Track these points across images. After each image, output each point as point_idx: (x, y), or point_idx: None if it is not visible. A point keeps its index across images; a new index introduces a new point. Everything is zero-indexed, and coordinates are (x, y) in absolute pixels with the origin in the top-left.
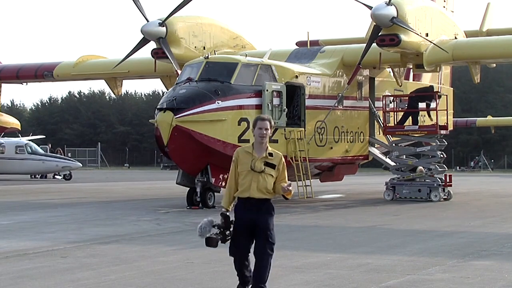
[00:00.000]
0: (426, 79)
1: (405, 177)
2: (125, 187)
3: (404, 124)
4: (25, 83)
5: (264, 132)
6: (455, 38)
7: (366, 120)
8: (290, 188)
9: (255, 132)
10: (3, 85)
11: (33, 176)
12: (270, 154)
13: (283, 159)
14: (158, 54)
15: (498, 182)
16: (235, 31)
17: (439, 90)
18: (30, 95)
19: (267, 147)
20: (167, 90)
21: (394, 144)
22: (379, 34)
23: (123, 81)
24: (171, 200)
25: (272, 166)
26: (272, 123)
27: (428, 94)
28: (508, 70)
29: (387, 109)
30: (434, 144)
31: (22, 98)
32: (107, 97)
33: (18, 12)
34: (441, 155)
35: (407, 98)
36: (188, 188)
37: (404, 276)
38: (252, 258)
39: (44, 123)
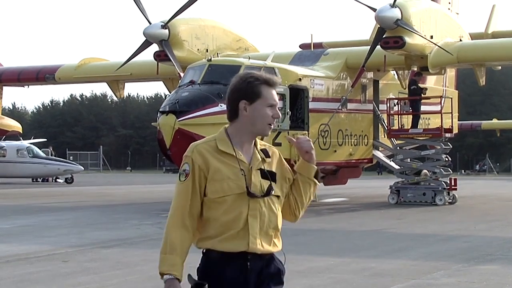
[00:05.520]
0: (431, 81)
1: (409, 180)
2: (127, 190)
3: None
4: (27, 86)
5: (277, 113)
6: (460, 40)
7: (370, 123)
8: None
9: (260, 112)
10: (4, 88)
11: (34, 180)
12: (265, 152)
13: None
14: (160, 56)
15: (503, 185)
16: (238, 33)
17: (444, 93)
18: (32, 98)
19: (255, 139)
20: (170, 93)
21: (398, 147)
22: (383, 36)
23: (125, 83)
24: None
25: (273, 176)
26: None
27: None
28: None
29: (391, 112)
30: (439, 147)
31: (24, 101)
32: (109, 100)
33: (19, 15)
34: (446, 159)
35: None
36: None
37: (408, 280)
38: None
39: (46, 126)
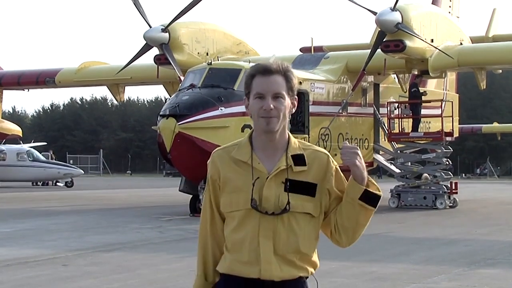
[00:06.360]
0: (431, 85)
1: (410, 184)
2: (127, 194)
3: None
4: (27, 90)
5: (271, 105)
6: (461, 44)
7: (370, 127)
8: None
9: (251, 107)
10: (4, 91)
11: (34, 183)
12: (298, 159)
13: (333, 162)
14: (160, 60)
15: (504, 189)
16: (239, 36)
17: (445, 97)
18: (32, 101)
19: (288, 139)
20: (170, 96)
21: (399, 151)
22: (384, 40)
23: (126, 87)
24: (174, 207)
25: (307, 188)
26: (294, 80)
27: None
28: None
29: (392, 115)
30: (440, 151)
31: (24, 104)
32: (109, 104)
33: (20, 18)
34: (447, 162)
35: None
36: (191, 196)
37: (409, 284)
38: None
39: (46, 129)
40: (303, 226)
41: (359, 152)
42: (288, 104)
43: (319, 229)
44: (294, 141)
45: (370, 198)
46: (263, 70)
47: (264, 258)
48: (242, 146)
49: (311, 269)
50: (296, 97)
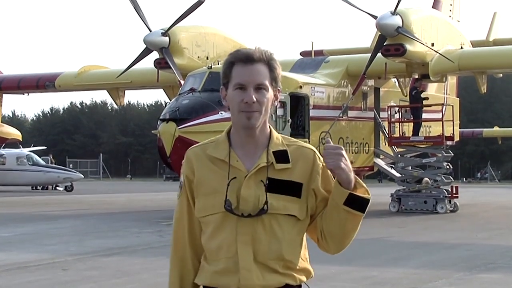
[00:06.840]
0: (432, 89)
1: (410, 188)
2: (127, 198)
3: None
4: (27, 94)
5: (253, 97)
6: (461, 47)
7: (371, 131)
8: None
9: (230, 99)
10: (4, 95)
11: (34, 188)
12: (281, 155)
13: (320, 159)
14: (160, 64)
15: (505, 193)
16: (239, 40)
17: (445, 101)
18: (32, 105)
19: (270, 134)
20: (170, 100)
21: (399, 155)
22: (384, 44)
23: (126, 91)
24: (174, 211)
25: (291, 188)
26: (278, 69)
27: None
28: None
29: (392, 119)
30: (440, 155)
31: (23, 108)
32: (109, 108)
33: (20, 22)
34: (447, 166)
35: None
36: None
37: None
38: None
39: (46, 134)
40: (287, 230)
41: (343, 152)
42: (271, 96)
43: (304, 234)
44: (277, 136)
45: (357, 203)
46: (244, 58)
47: (243, 265)
48: (219, 143)
49: (299, 277)
50: (279, 88)
